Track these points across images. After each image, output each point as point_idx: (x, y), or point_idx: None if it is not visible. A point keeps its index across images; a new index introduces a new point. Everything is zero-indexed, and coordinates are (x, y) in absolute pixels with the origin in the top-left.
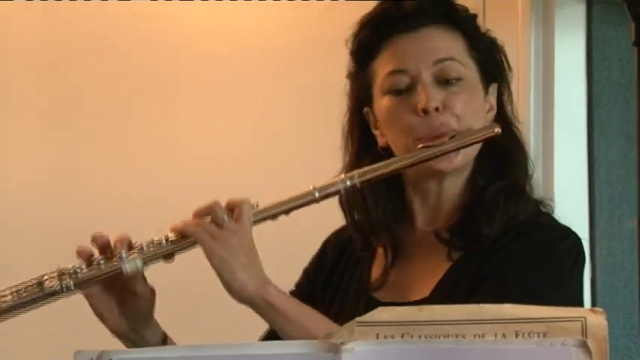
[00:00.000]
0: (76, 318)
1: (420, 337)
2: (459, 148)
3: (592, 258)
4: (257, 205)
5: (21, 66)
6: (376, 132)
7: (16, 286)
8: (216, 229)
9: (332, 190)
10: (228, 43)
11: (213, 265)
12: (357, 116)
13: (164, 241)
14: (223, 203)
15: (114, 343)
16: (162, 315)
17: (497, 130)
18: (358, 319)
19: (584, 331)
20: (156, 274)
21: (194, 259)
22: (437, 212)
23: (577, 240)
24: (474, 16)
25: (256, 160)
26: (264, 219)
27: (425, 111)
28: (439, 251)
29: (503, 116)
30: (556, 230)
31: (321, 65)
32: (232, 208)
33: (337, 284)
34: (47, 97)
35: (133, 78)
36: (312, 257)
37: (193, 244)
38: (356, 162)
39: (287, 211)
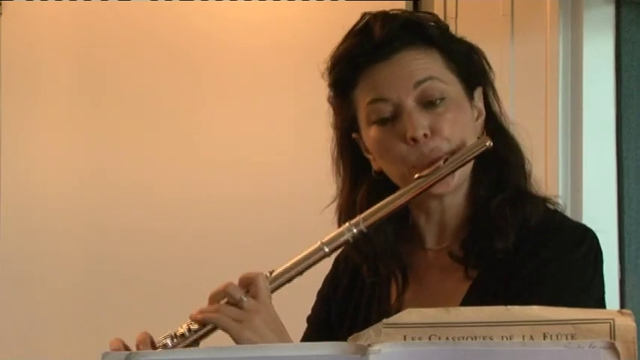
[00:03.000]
0: (104, 323)
1: (447, 338)
2: (454, 170)
3: (621, 259)
4: (270, 273)
5: (54, 66)
6: (369, 156)
7: None
8: (238, 312)
9: (340, 241)
10: (272, 44)
11: None
12: (346, 141)
13: (187, 332)
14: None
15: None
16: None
17: (489, 143)
18: (385, 320)
19: (612, 333)
20: (179, 274)
21: (218, 260)
22: (444, 228)
23: (594, 237)
24: (446, 28)
25: (294, 160)
26: (280, 286)
27: (414, 139)
28: (454, 270)
29: (492, 119)
30: (572, 232)
31: None
32: (247, 284)
33: (355, 310)
34: (81, 96)
35: (169, 77)
36: (325, 279)
37: (216, 328)
38: (353, 188)
39: (301, 272)
